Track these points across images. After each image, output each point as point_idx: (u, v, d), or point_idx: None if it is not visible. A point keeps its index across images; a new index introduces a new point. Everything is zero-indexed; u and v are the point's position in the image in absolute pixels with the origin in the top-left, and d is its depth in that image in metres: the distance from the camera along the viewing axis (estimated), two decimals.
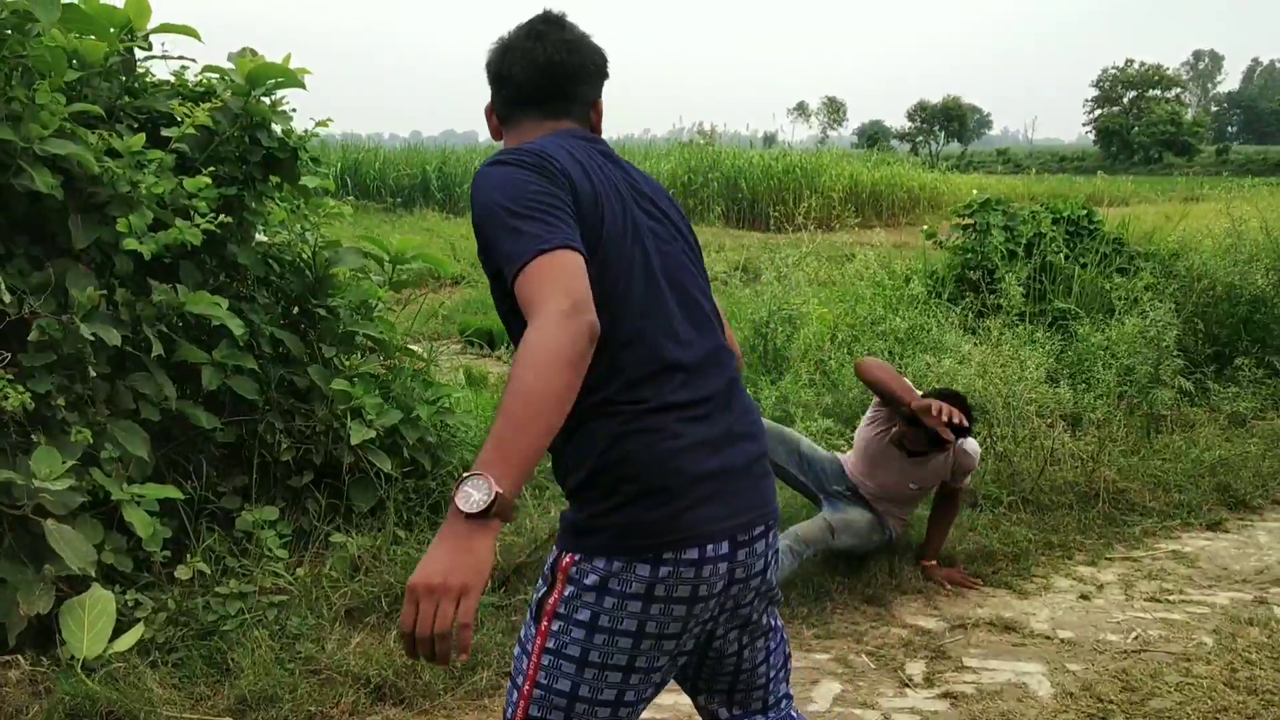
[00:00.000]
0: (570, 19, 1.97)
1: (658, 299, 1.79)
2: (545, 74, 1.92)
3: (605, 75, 2.00)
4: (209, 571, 3.59)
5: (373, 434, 4.10)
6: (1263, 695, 3.39)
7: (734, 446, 1.79)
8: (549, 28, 1.94)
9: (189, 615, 3.41)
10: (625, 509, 1.69)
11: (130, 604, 3.34)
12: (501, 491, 1.44)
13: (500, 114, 2.01)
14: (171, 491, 3.49)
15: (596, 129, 2.00)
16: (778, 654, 2.01)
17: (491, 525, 1.46)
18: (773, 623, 1.97)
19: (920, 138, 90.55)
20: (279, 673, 3.20)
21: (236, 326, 3.71)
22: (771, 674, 2.00)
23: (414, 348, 5.11)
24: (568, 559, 1.74)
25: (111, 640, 3.13)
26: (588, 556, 1.72)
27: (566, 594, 1.73)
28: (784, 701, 2.05)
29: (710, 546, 1.71)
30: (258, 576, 3.63)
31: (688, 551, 1.69)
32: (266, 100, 4.02)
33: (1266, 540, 4.93)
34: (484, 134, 5.24)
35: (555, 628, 1.74)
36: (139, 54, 3.87)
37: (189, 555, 3.61)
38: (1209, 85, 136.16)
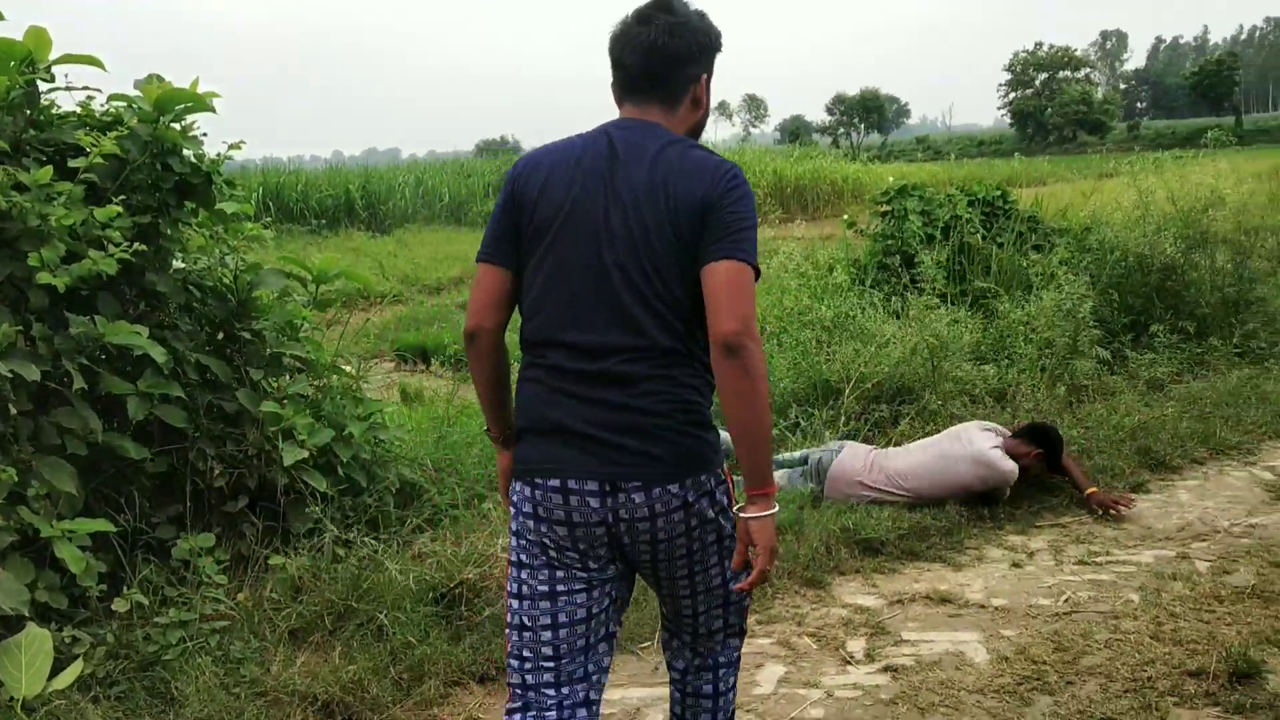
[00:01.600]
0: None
1: (568, 293, 2.10)
2: (647, 58, 2.15)
3: (710, 52, 2.22)
4: (147, 602, 3.55)
5: (305, 454, 4.08)
6: (1187, 645, 3.52)
7: (608, 413, 2.08)
8: (656, 12, 2.15)
9: (129, 648, 3.37)
10: (518, 443, 2.21)
11: (68, 640, 3.30)
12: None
13: (615, 98, 2.26)
14: (103, 525, 3.46)
15: (701, 106, 2.23)
16: (708, 599, 2.33)
17: None
18: (707, 574, 2.28)
19: (841, 130, 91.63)
20: (224, 698, 3.18)
21: (159, 355, 3.68)
22: (700, 611, 2.36)
23: (344, 366, 5.10)
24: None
25: (50, 678, 3.09)
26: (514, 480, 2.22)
27: (512, 512, 2.24)
28: (716, 637, 2.42)
29: (573, 481, 2.09)
30: (197, 604, 3.60)
31: (551, 480, 2.11)
32: (176, 126, 3.99)
33: (1187, 498, 5.10)
34: (407, 150, 5.26)
35: (510, 542, 2.25)
36: (42, 86, 3.82)
37: (126, 587, 3.57)
38: (1116, 64, 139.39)
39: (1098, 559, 4.40)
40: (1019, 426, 5.23)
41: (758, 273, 2.03)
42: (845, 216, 10.92)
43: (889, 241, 8.49)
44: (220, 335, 4.36)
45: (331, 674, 3.32)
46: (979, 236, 8.09)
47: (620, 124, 2.18)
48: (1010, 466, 4.79)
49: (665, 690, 2.63)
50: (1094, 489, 4.92)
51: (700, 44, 2.17)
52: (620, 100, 2.23)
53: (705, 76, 2.22)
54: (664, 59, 2.13)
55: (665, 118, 2.17)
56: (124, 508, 3.81)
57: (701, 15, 2.19)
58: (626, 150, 2.10)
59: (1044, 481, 5.13)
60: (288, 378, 4.49)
